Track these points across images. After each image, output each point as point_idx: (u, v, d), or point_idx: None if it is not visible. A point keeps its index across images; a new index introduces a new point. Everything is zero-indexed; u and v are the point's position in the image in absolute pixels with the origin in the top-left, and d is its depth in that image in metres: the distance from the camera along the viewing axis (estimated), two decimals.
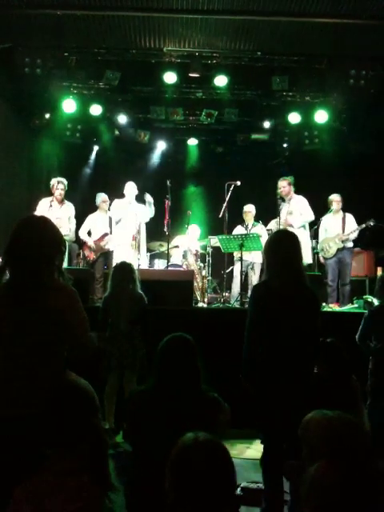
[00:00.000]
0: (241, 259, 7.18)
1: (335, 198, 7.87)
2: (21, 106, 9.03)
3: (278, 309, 3.18)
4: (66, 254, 6.92)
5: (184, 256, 8.28)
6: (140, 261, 7.42)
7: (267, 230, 7.87)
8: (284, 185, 7.76)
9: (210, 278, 8.26)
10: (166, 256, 7.79)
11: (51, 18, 7.26)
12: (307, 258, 7.04)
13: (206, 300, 7.57)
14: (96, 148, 11.04)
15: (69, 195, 7.95)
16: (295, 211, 7.57)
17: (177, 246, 8.61)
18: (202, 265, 8.25)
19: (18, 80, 8.38)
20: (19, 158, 9.17)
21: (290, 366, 3.11)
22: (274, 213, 7.71)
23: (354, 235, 7.67)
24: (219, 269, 8.13)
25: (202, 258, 8.50)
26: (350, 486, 1.63)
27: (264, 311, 3.22)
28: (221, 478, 1.66)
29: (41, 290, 2.40)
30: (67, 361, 2.54)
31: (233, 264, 8.16)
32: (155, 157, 11.21)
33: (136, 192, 7.84)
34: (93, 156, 11.12)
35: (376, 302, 5.43)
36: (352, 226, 7.68)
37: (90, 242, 8.02)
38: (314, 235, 8.10)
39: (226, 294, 7.66)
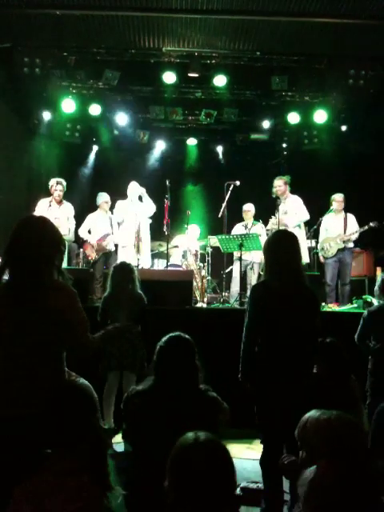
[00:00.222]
0: (240, 259, 7.17)
1: (338, 198, 7.85)
2: (20, 106, 9.02)
3: (277, 308, 3.18)
4: (66, 253, 6.93)
5: (183, 256, 8.28)
6: (141, 261, 7.43)
7: (267, 230, 7.87)
8: (280, 184, 7.73)
9: (209, 277, 8.26)
10: (166, 256, 7.80)
11: (50, 17, 7.25)
12: (304, 258, 7.04)
13: (205, 300, 7.56)
14: (95, 148, 11.04)
15: (68, 195, 7.95)
16: (290, 211, 7.55)
17: (176, 246, 8.61)
18: (201, 265, 8.25)
19: (17, 80, 8.38)
20: (18, 157, 9.16)
21: (289, 366, 3.12)
22: (274, 212, 7.72)
23: (356, 236, 7.66)
24: (219, 269, 8.13)
25: (201, 257, 8.50)
26: (349, 486, 1.63)
27: (263, 311, 3.22)
28: (221, 477, 1.66)
29: (40, 290, 2.40)
30: (67, 361, 2.54)
31: (232, 264, 8.16)
32: (154, 157, 11.20)
33: (137, 191, 7.82)
34: (92, 156, 11.11)
35: (375, 301, 5.44)
36: (354, 227, 7.66)
37: (93, 240, 8.04)
38: (314, 235, 8.10)
39: (226, 294, 7.67)
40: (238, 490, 3.65)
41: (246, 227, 7.95)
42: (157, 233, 8.42)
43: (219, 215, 7.55)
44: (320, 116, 9.32)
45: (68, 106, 9.12)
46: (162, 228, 7.72)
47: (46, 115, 9.54)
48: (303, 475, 1.73)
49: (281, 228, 7.12)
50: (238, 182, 7.55)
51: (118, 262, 5.44)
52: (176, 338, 2.78)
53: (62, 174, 8.47)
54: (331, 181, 9.34)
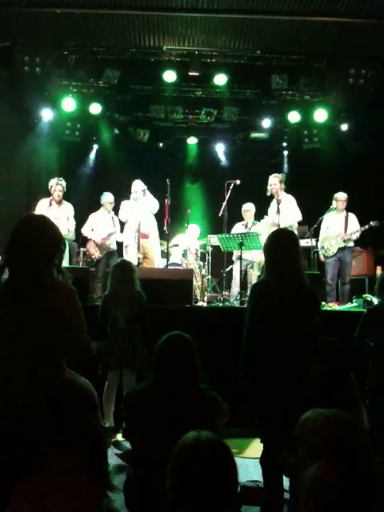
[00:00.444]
0: (240, 258, 7.17)
1: (340, 197, 7.83)
2: (20, 105, 9.02)
3: (277, 308, 3.18)
4: (66, 252, 6.95)
5: (184, 255, 8.28)
6: (151, 258, 7.49)
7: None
8: (275, 182, 7.69)
9: (209, 276, 8.26)
10: (166, 255, 7.80)
11: (51, 16, 7.25)
12: None
13: (205, 299, 7.56)
14: (95, 147, 11.04)
15: (68, 194, 7.95)
16: (283, 210, 7.49)
17: (176, 245, 8.62)
18: (201, 264, 8.25)
19: (17, 78, 8.37)
20: (18, 156, 9.16)
21: (289, 365, 3.12)
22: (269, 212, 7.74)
23: (357, 236, 7.66)
24: (219, 268, 8.13)
25: (201, 256, 8.50)
26: (349, 486, 1.62)
27: (263, 310, 3.22)
28: (223, 477, 1.66)
29: (40, 289, 2.39)
30: (67, 360, 2.54)
31: (232, 263, 8.16)
32: (155, 156, 11.20)
33: (139, 189, 7.81)
34: (92, 155, 11.12)
35: (375, 300, 5.44)
36: (355, 226, 7.66)
37: (97, 239, 8.06)
38: (314, 233, 8.10)
39: (226, 293, 7.66)
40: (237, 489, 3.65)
41: (246, 226, 7.95)
42: (157, 232, 8.42)
43: (219, 214, 7.54)
44: (320, 115, 9.31)
45: (68, 104, 9.11)
46: (162, 227, 7.73)
47: (46, 114, 9.53)
48: (303, 475, 1.72)
49: (273, 227, 7.12)
50: (238, 181, 7.54)
51: (118, 260, 5.44)
52: (176, 337, 2.79)
53: (61, 173, 8.47)
54: (331, 180, 9.34)
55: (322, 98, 9.22)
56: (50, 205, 7.42)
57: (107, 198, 8.36)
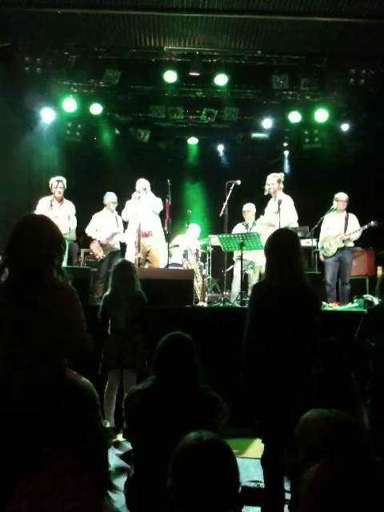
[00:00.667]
0: (241, 258, 7.16)
1: (341, 198, 7.83)
2: (21, 105, 9.02)
3: (277, 308, 3.18)
4: (66, 253, 6.95)
5: (184, 255, 8.28)
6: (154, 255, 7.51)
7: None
8: (273, 181, 7.68)
9: (210, 277, 8.26)
10: (167, 255, 7.80)
11: (51, 16, 7.26)
12: None
13: (206, 299, 7.56)
14: (96, 147, 11.04)
15: (68, 194, 7.96)
16: (281, 211, 7.46)
17: (177, 246, 8.61)
18: (202, 264, 8.25)
19: (18, 79, 8.38)
20: (19, 157, 9.16)
21: (289, 365, 3.12)
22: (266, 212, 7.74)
23: (356, 236, 7.66)
24: (219, 268, 8.13)
25: (202, 257, 8.50)
26: (349, 486, 1.62)
27: (264, 311, 3.22)
28: (224, 477, 1.66)
29: (40, 289, 2.39)
30: (67, 360, 2.54)
31: (233, 263, 8.16)
32: (155, 156, 11.20)
33: (141, 187, 7.78)
34: (93, 155, 11.11)
35: (376, 301, 5.43)
36: (354, 227, 7.66)
37: (102, 238, 8.08)
38: (315, 234, 8.10)
39: (226, 293, 7.66)
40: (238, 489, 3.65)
41: (246, 227, 7.95)
42: (161, 230, 8.42)
43: (220, 214, 7.54)
44: (321, 115, 9.31)
45: (69, 105, 9.11)
46: (163, 227, 7.74)
47: (47, 114, 9.52)
48: (303, 475, 1.72)
49: (271, 228, 7.13)
50: (238, 182, 7.53)
51: (119, 260, 5.45)
52: (176, 337, 2.79)
53: (62, 173, 8.47)
54: (332, 180, 9.34)
55: (322, 98, 9.22)
56: (51, 204, 7.43)
57: (110, 197, 8.37)
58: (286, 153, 11.17)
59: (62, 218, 7.39)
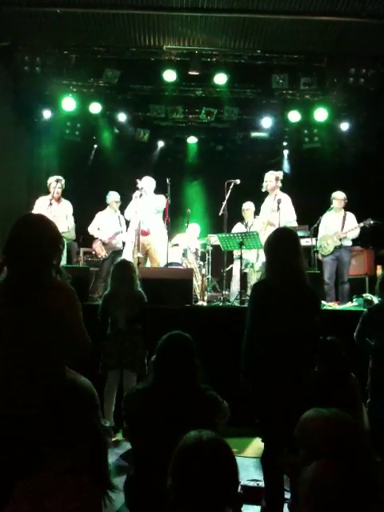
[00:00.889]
0: (240, 257, 7.16)
1: (338, 197, 7.84)
2: (20, 105, 9.01)
3: (277, 307, 3.18)
4: (65, 252, 6.95)
5: (184, 254, 8.27)
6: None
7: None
8: (271, 179, 7.66)
9: (209, 276, 8.26)
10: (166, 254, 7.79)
11: (51, 16, 7.27)
12: None
13: (205, 298, 7.56)
14: (95, 146, 11.03)
15: (68, 193, 7.95)
16: (280, 210, 7.44)
17: (176, 245, 8.60)
18: (201, 263, 8.25)
19: (17, 78, 8.38)
20: (18, 156, 9.16)
21: (289, 365, 3.12)
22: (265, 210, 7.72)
23: (353, 234, 7.67)
24: (219, 267, 8.13)
25: (201, 256, 8.50)
26: (349, 486, 1.62)
27: (264, 310, 3.22)
28: (223, 476, 1.66)
29: (40, 289, 2.39)
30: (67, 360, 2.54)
31: (232, 262, 8.16)
32: (155, 155, 11.20)
33: (144, 187, 7.71)
34: (92, 154, 11.11)
35: (376, 300, 5.43)
36: (352, 225, 7.67)
37: (104, 238, 8.09)
38: (315, 233, 8.10)
39: (226, 293, 7.66)
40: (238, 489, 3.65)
41: (246, 226, 7.94)
42: (162, 229, 8.41)
43: (219, 214, 7.53)
44: (320, 114, 9.31)
45: (68, 104, 9.12)
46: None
47: (47, 114, 9.53)
48: (303, 474, 1.72)
49: (270, 226, 7.12)
50: (238, 181, 7.53)
51: (119, 260, 5.44)
52: (176, 337, 2.79)
53: (61, 172, 8.46)
54: (331, 179, 9.33)
55: (322, 98, 9.22)
56: (50, 203, 7.40)
57: (113, 197, 8.38)
58: (286, 152, 11.14)
59: (60, 218, 7.38)
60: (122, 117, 9.92)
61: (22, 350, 2.33)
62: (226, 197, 7.49)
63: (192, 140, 11.06)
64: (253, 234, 6.95)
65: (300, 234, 7.17)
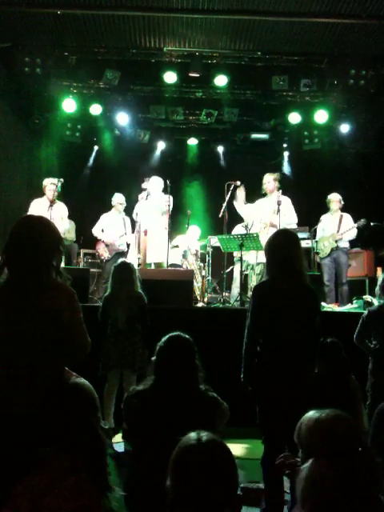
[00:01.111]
0: (241, 259, 7.16)
1: (333, 198, 7.88)
2: (20, 106, 9.03)
3: (278, 308, 3.19)
4: (65, 253, 6.94)
5: (184, 256, 8.27)
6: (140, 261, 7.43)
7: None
8: (269, 180, 7.65)
9: (209, 277, 8.26)
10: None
11: (51, 17, 7.27)
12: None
13: (205, 300, 7.56)
14: (96, 148, 11.04)
15: (68, 195, 7.95)
16: (281, 211, 7.43)
17: (177, 246, 8.61)
18: (201, 264, 8.25)
19: (17, 79, 8.39)
20: (19, 157, 9.17)
21: (290, 366, 3.12)
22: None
23: (349, 235, 7.68)
24: (219, 269, 8.12)
25: (201, 257, 8.50)
26: (346, 485, 1.62)
27: (265, 311, 3.22)
28: (223, 478, 1.65)
29: (40, 290, 2.41)
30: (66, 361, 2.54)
31: (233, 264, 8.16)
32: (155, 156, 11.20)
33: (149, 187, 7.70)
34: (92, 155, 11.12)
35: (375, 301, 5.43)
36: (348, 226, 7.69)
37: (108, 239, 8.11)
38: (314, 234, 8.11)
39: (226, 294, 7.66)
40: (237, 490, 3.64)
41: (246, 228, 7.93)
42: (161, 228, 8.40)
43: (220, 215, 7.52)
44: (320, 116, 9.32)
45: (69, 105, 9.13)
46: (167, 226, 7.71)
47: (47, 115, 9.53)
48: (299, 474, 1.72)
49: (271, 228, 7.11)
50: (238, 182, 7.53)
51: (119, 261, 5.45)
52: (176, 338, 2.78)
53: (61, 173, 8.46)
54: (331, 181, 9.34)
55: (322, 99, 9.23)
56: (51, 205, 7.37)
57: (117, 198, 8.38)
58: (286, 153, 11.16)
59: (56, 220, 7.34)
60: (122, 118, 9.92)
61: (22, 350, 2.34)
62: (226, 198, 7.49)
63: (192, 141, 11.07)
64: (253, 235, 6.94)
65: (300, 235, 7.16)
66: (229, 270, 8.05)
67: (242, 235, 7.04)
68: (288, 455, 2.20)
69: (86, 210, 10.21)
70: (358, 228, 7.63)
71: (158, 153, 11.21)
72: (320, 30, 7.47)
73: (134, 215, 7.85)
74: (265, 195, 7.74)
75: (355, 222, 7.74)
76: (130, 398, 2.82)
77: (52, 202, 7.51)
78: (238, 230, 8.17)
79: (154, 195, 7.70)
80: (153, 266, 7.52)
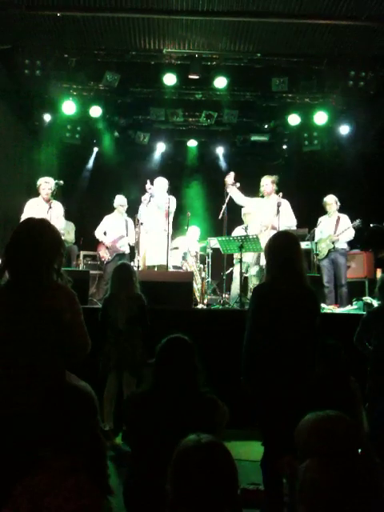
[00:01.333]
0: (240, 261, 7.16)
1: (329, 200, 7.91)
2: (20, 107, 9.03)
3: (279, 309, 3.19)
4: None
5: (183, 257, 8.27)
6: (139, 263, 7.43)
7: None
8: (267, 182, 7.65)
9: (209, 279, 8.26)
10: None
11: (51, 19, 7.28)
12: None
13: (205, 301, 7.55)
14: (95, 149, 11.06)
15: (68, 196, 7.95)
16: (281, 213, 7.41)
17: (176, 248, 8.60)
18: (201, 266, 8.24)
19: (17, 81, 8.39)
20: (19, 159, 9.17)
21: (290, 367, 3.12)
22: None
23: (346, 236, 7.69)
24: (219, 270, 8.12)
25: (201, 259, 8.49)
26: (343, 484, 1.63)
27: (265, 312, 3.22)
28: (223, 480, 1.66)
29: (40, 290, 2.42)
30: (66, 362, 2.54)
31: (232, 266, 8.15)
32: (155, 158, 11.21)
33: (155, 188, 7.65)
34: (92, 157, 11.13)
35: (375, 303, 5.43)
36: (344, 227, 7.70)
37: (107, 241, 8.13)
38: (313, 236, 8.11)
39: (226, 296, 7.65)
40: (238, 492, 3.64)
41: (246, 230, 7.93)
42: (161, 228, 8.40)
43: (219, 217, 7.52)
44: (320, 117, 9.34)
45: (68, 107, 9.14)
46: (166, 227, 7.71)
47: (47, 117, 9.55)
48: (298, 474, 1.73)
49: (270, 230, 7.10)
50: (238, 184, 7.51)
51: (118, 263, 5.46)
52: (175, 340, 2.78)
53: (61, 175, 8.47)
54: (331, 182, 9.34)
55: (321, 101, 9.25)
56: (50, 206, 7.31)
57: (119, 200, 8.39)
58: (286, 155, 11.17)
59: (52, 220, 7.31)
60: (122, 120, 9.94)
61: (22, 350, 2.35)
62: (226, 200, 7.48)
63: (192, 143, 11.09)
64: (253, 237, 6.94)
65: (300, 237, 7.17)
66: (228, 271, 8.04)
67: (241, 237, 7.04)
68: (288, 457, 2.20)
69: (85, 212, 10.21)
70: (354, 228, 7.64)
71: (157, 154, 11.21)
72: (319, 31, 7.48)
73: (138, 216, 7.85)
74: (262, 198, 7.73)
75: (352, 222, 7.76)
76: (130, 399, 2.82)
77: (47, 201, 7.42)
78: (238, 231, 8.16)
79: (158, 196, 7.69)
80: (156, 269, 7.51)
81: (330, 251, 7.70)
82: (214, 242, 7.72)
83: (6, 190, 8.40)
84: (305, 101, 9.28)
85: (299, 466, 1.81)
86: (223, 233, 7.42)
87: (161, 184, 7.74)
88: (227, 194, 7.37)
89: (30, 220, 2.66)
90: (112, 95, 9.36)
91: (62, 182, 7.52)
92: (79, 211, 8.86)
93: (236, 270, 7.82)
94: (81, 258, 8.98)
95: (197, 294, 7.60)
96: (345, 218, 7.85)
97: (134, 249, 8.09)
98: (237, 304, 6.96)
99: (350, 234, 7.73)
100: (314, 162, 10.46)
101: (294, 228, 7.56)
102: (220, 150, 11.28)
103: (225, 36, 7.76)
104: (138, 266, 7.12)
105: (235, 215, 8.20)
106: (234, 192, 7.28)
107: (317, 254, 8.06)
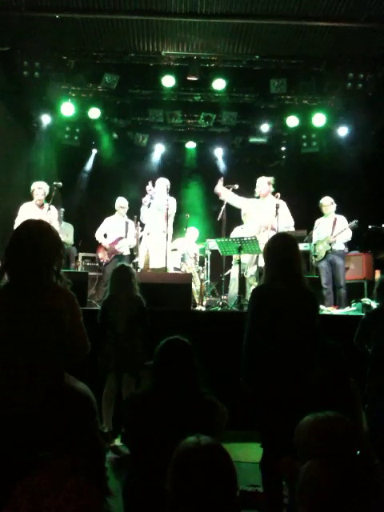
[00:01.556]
0: (239, 262, 7.15)
1: (325, 202, 7.93)
2: (19, 109, 9.03)
3: (278, 311, 3.18)
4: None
5: (182, 259, 8.27)
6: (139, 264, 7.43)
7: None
8: (263, 183, 7.65)
9: (208, 281, 8.25)
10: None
11: (50, 21, 7.29)
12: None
13: (204, 303, 7.55)
14: (94, 151, 11.06)
15: (66, 198, 7.95)
16: (279, 214, 7.39)
17: (175, 249, 8.60)
18: (200, 268, 8.24)
19: (16, 83, 8.40)
20: (17, 160, 9.17)
21: (290, 368, 3.11)
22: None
23: (344, 237, 7.70)
24: (217, 272, 8.11)
25: (200, 261, 8.49)
26: (342, 485, 1.62)
27: (264, 313, 3.22)
28: (222, 481, 1.66)
29: (40, 290, 2.43)
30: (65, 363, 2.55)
31: (231, 267, 8.14)
32: (153, 160, 11.21)
33: (156, 189, 7.64)
34: (91, 159, 11.13)
35: (374, 304, 5.43)
36: (340, 228, 7.71)
37: (106, 243, 8.15)
38: (312, 238, 8.12)
39: (224, 297, 7.65)
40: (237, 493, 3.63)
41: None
42: (162, 230, 8.40)
43: (218, 218, 7.52)
44: (319, 119, 9.34)
45: (67, 109, 9.14)
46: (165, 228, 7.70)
47: (46, 118, 9.57)
48: (297, 475, 1.73)
49: (269, 231, 7.09)
50: (236, 186, 7.50)
51: (118, 264, 5.46)
52: (174, 342, 2.78)
53: (60, 177, 8.47)
54: (330, 184, 9.34)
55: (320, 102, 9.26)
56: (49, 209, 7.31)
57: (120, 202, 8.40)
58: (285, 157, 11.18)
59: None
60: (120, 121, 9.94)
61: (21, 351, 2.35)
62: (225, 201, 7.48)
63: (191, 145, 11.09)
64: (252, 238, 6.93)
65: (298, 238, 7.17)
66: (227, 273, 8.04)
67: (240, 238, 7.03)
68: (287, 457, 2.20)
69: (84, 213, 10.21)
70: (351, 229, 7.65)
71: (156, 156, 11.22)
72: (318, 33, 7.50)
73: (141, 218, 7.84)
74: (257, 198, 7.73)
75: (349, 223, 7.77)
76: (129, 401, 2.82)
77: (41, 207, 7.39)
78: (237, 233, 8.16)
79: (158, 198, 7.68)
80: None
81: (327, 253, 7.71)
82: (213, 244, 7.71)
83: (4, 191, 8.39)
84: (303, 102, 9.29)
85: (299, 467, 1.80)
86: (222, 234, 7.42)
87: (162, 184, 7.74)
88: (223, 201, 7.37)
89: (30, 221, 2.67)
90: (111, 97, 9.37)
91: (60, 183, 7.52)
92: (78, 213, 8.85)
93: (234, 271, 7.81)
94: (79, 259, 8.98)
95: (196, 296, 7.60)
96: (342, 218, 7.86)
97: (133, 250, 8.11)
98: (235, 306, 6.96)
99: (348, 234, 7.74)
100: (312, 163, 10.48)
101: (292, 228, 7.57)
102: (219, 152, 11.28)
103: (223, 38, 7.77)
104: (137, 268, 7.11)
105: (234, 216, 8.20)
106: (228, 197, 7.28)
107: (315, 256, 8.07)
